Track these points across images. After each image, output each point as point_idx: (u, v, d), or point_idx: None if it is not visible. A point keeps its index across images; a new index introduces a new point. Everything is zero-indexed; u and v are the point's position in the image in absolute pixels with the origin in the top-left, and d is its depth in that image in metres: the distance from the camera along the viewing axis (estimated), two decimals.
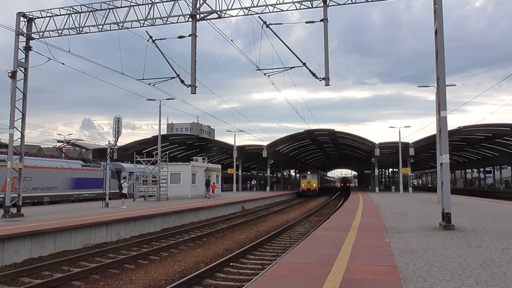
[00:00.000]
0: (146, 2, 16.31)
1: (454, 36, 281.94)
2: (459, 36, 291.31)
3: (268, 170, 58.08)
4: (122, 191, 23.43)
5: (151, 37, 16.51)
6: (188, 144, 56.53)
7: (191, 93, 15.87)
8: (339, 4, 15.03)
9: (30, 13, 17.67)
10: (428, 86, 28.85)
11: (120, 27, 16.90)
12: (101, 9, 16.89)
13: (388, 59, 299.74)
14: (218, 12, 15.99)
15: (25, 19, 17.68)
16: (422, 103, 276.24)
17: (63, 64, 18.04)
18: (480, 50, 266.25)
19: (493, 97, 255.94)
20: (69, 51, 17.14)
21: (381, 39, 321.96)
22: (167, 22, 16.44)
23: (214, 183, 36.25)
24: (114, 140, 22.85)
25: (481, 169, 70.87)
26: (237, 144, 50.55)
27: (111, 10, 16.83)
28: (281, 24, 21.59)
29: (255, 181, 64.08)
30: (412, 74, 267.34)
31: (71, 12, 17.18)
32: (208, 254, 12.63)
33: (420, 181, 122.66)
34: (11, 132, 17.12)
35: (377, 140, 51.43)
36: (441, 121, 12.84)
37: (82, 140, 51.71)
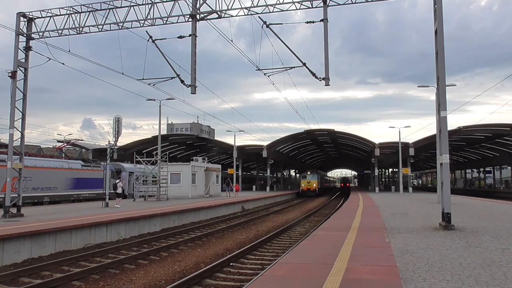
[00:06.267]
0: (146, 2, 16.31)
1: (458, 36, 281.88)
2: (463, 35, 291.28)
3: (268, 170, 58.09)
4: (117, 191, 23.39)
5: (151, 37, 16.51)
6: (188, 144, 56.53)
7: (191, 93, 15.87)
8: (339, 4, 15.03)
9: (30, 13, 17.67)
10: (428, 86, 28.81)
11: (120, 27, 16.90)
12: (101, 9, 16.88)
13: (391, 58, 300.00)
14: (218, 12, 15.99)
15: (25, 19, 17.67)
16: (423, 103, 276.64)
17: (63, 64, 18.05)
18: (484, 50, 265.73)
19: (496, 97, 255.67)
20: (69, 51, 17.17)
21: (385, 39, 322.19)
22: (167, 22, 16.43)
23: (235, 183, 40.42)
24: (114, 140, 22.87)
25: (481, 169, 70.86)
26: (237, 144, 50.54)
27: (111, 10, 16.82)
28: (281, 24, 21.56)
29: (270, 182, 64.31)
30: (415, 73, 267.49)
31: (71, 12, 17.18)
32: (208, 254, 12.63)
33: (420, 181, 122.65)
34: (11, 132, 17.12)
35: (377, 140, 51.49)
36: (441, 121, 12.84)
37: (82, 140, 51.73)
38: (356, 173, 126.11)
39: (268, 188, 57.60)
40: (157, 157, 29.56)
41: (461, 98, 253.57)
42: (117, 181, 24.08)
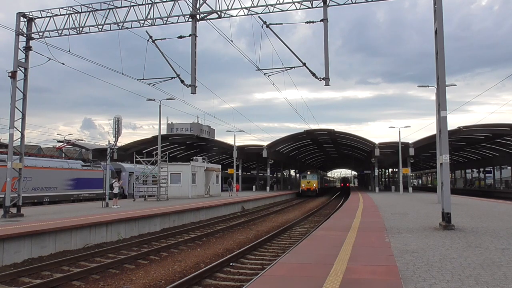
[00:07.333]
0: (146, 2, 16.31)
1: (459, 35, 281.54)
2: (464, 35, 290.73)
3: (268, 170, 58.08)
4: (114, 191, 23.31)
5: (151, 37, 16.52)
6: (188, 144, 56.53)
7: (191, 93, 15.89)
8: (339, 4, 15.03)
9: (30, 13, 17.67)
10: (428, 86, 28.80)
11: (120, 27, 16.90)
12: (101, 9, 16.89)
13: (392, 58, 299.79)
14: (218, 12, 15.99)
15: (25, 19, 17.68)
16: (424, 103, 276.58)
17: (63, 64, 18.07)
18: (485, 49, 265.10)
19: (496, 97, 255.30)
20: (69, 51, 17.18)
21: (385, 38, 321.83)
22: (167, 22, 16.44)
23: (235, 183, 41.63)
24: (114, 140, 22.86)
25: (481, 169, 70.85)
26: (237, 144, 50.56)
27: (111, 10, 16.83)
28: (281, 24, 21.56)
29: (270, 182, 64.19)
30: (416, 73, 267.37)
31: (71, 12, 17.19)
32: (208, 254, 12.63)
33: (420, 181, 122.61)
34: (11, 132, 17.12)
35: (377, 140, 51.51)
36: (441, 121, 12.84)
37: (82, 140, 51.74)
38: (356, 173, 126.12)
39: (268, 188, 57.60)
40: (157, 157, 29.56)
41: (461, 98, 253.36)
42: (113, 181, 23.87)
